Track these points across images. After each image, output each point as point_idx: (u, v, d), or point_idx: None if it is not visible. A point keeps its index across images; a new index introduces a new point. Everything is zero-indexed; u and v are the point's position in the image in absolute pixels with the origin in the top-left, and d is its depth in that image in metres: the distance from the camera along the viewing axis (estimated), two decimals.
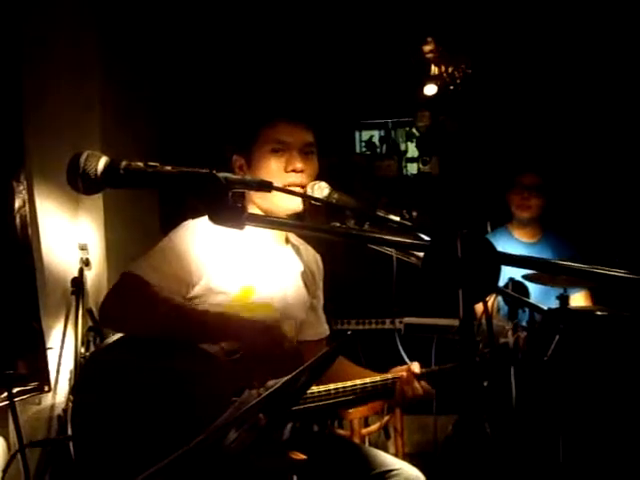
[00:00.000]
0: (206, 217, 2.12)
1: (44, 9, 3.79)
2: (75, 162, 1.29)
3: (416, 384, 2.14)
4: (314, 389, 2.07)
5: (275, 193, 2.10)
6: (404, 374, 2.16)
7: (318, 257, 2.51)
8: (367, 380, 2.15)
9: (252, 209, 2.22)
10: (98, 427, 1.89)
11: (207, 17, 4.72)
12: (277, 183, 2.12)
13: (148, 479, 1.03)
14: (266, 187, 1.37)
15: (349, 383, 2.14)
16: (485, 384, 2.09)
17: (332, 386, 2.10)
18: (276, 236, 2.32)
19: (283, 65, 5.01)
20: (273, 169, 2.19)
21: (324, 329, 2.51)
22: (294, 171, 2.19)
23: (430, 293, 1.22)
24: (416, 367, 2.18)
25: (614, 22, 4.57)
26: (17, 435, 3.21)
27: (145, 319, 1.96)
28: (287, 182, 2.18)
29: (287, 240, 2.37)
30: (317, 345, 2.46)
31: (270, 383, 1.88)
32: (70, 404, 3.57)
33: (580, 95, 4.88)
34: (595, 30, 4.64)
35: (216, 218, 1.29)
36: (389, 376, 2.18)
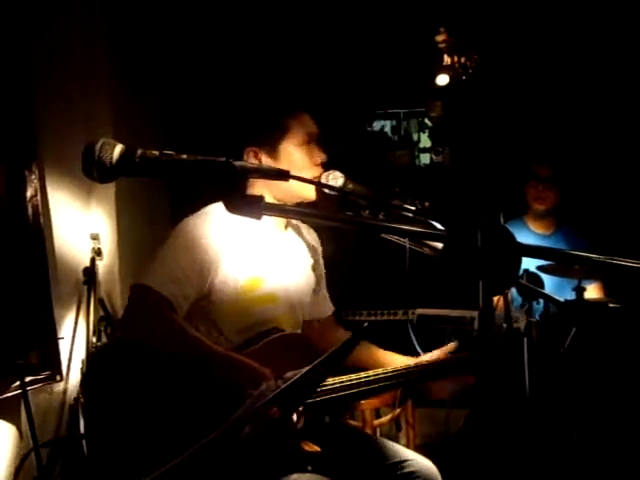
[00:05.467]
0: (207, 211, 2.15)
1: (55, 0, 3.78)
2: (90, 150, 1.27)
3: None
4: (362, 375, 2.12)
5: (292, 183, 2.10)
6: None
7: (314, 233, 2.53)
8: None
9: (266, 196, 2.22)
10: (111, 422, 1.89)
11: (218, 8, 4.70)
12: (304, 175, 2.13)
13: (166, 473, 1.02)
14: (284, 176, 1.35)
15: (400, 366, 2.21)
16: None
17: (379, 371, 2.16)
18: (277, 222, 2.32)
19: (299, 57, 4.99)
20: (303, 162, 2.21)
21: (329, 307, 2.55)
22: (320, 164, 2.21)
23: (449, 284, 1.21)
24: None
25: (633, 9, 4.51)
26: (29, 424, 3.22)
27: (161, 343, 1.96)
28: (313, 175, 2.18)
29: (287, 225, 2.37)
30: (324, 322, 2.52)
31: (288, 375, 1.87)
32: (81, 396, 3.57)
33: (595, 85, 4.83)
34: (612, 17, 4.59)
35: (233, 207, 1.28)
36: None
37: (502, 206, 4.14)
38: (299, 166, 2.17)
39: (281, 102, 2.38)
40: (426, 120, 5.70)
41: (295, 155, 2.21)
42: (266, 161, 2.22)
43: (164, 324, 1.96)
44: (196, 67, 4.78)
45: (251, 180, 2.16)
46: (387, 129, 5.78)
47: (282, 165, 2.17)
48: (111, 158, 1.27)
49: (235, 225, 2.12)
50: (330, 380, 2.06)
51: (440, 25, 5.12)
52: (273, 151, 2.22)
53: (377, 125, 5.86)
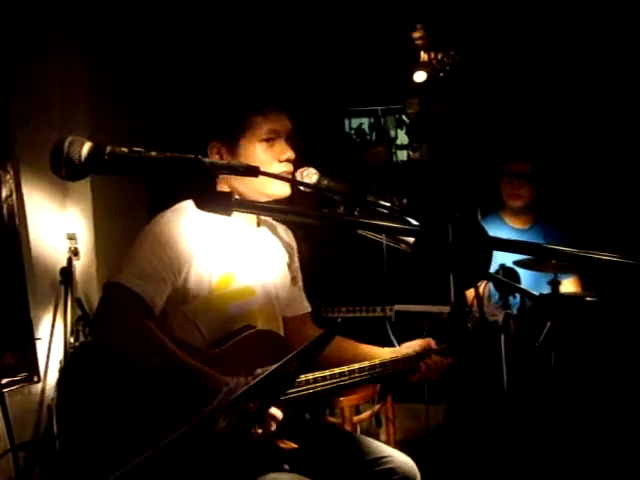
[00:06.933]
0: (180, 206, 2.13)
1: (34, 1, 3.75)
2: (59, 147, 1.26)
3: (439, 359, 2.22)
4: (336, 370, 2.11)
5: (261, 180, 2.08)
6: (421, 349, 2.25)
7: (290, 232, 2.51)
8: (387, 358, 2.22)
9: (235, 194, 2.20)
10: (84, 421, 1.86)
11: (192, 6, 4.68)
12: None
13: (136, 467, 1.01)
14: (253, 172, 1.34)
15: (366, 363, 2.18)
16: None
17: (354, 367, 2.15)
18: (248, 219, 2.30)
19: (272, 53, 4.97)
20: (264, 159, 2.16)
21: (307, 304, 2.52)
22: (288, 161, 2.17)
23: (421, 278, 1.21)
24: (432, 343, 2.26)
25: (604, 7, 4.54)
26: (6, 426, 3.20)
27: (129, 350, 1.91)
28: (280, 172, 2.15)
29: (259, 223, 2.35)
30: (302, 319, 2.50)
31: (258, 371, 1.86)
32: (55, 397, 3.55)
33: (569, 81, 4.86)
34: (586, 15, 4.62)
35: (203, 204, 1.27)
36: (410, 352, 2.25)
37: (479, 201, 4.18)
38: (259, 162, 2.08)
39: (243, 97, 2.33)
40: (403, 117, 5.72)
41: (255, 152, 2.16)
42: (226, 157, 2.19)
43: (133, 329, 1.92)
44: (173, 64, 4.75)
45: (220, 177, 2.16)
46: (365, 126, 5.79)
47: (243, 159, 2.14)
48: (79, 155, 1.25)
49: (207, 222, 2.11)
50: (304, 377, 2.06)
51: (416, 22, 5.13)
52: (233, 147, 2.18)
53: (355, 122, 5.88)
